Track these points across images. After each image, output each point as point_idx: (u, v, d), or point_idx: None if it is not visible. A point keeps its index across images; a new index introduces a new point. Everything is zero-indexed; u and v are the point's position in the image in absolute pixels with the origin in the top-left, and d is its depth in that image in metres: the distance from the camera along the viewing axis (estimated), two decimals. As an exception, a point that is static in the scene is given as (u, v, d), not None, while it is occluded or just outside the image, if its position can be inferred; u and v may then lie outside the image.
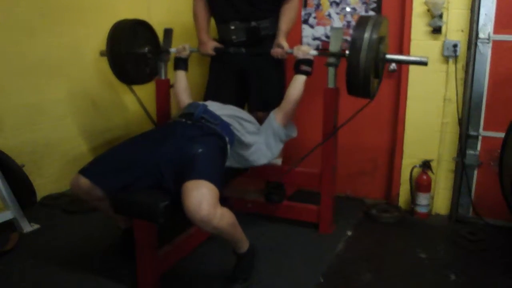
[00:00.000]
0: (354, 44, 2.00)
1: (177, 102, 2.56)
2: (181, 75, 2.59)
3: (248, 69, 2.57)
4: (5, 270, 2.11)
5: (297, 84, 2.28)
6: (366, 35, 1.98)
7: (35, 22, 2.78)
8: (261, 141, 2.24)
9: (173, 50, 2.65)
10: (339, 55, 2.27)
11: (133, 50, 2.58)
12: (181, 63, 2.61)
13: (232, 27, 2.49)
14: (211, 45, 2.58)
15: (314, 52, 2.29)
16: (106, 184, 1.86)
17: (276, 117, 2.28)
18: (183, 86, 2.56)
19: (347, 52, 2.10)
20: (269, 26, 2.49)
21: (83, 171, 1.89)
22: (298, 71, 2.28)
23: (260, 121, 2.53)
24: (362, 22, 2.04)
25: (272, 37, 2.48)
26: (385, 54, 2.12)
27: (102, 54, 2.66)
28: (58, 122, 3.02)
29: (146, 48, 2.65)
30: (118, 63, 2.53)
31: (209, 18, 2.63)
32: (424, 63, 2.11)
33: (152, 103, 2.92)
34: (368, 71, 2.00)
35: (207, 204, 1.66)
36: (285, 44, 2.41)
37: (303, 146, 2.58)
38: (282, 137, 2.29)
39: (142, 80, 2.73)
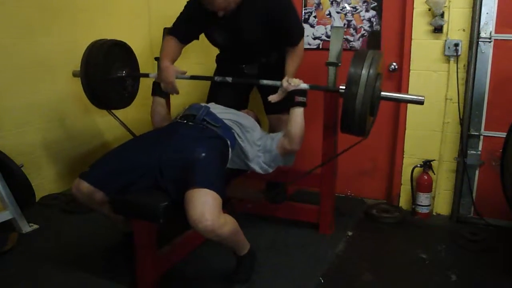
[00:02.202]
0: (351, 84, 1.88)
1: (153, 124, 2.36)
2: (159, 102, 2.34)
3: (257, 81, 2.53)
4: (4, 270, 2.11)
5: (296, 119, 2.13)
6: (364, 72, 1.87)
7: (35, 22, 2.77)
8: (260, 154, 2.19)
9: (152, 75, 2.45)
10: (334, 91, 2.17)
11: (109, 74, 2.47)
12: (159, 89, 2.33)
13: (243, 65, 2.44)
14: (173, 70, 2.28)
15: (304, 86, 2.13)
16: (107, 187, 1.86)
17: (278, 146, 2.18)
18: (161, 117, 2.32)
19: (341, 88, 2.01)
20: (277, 55, 2.40)
21: (84, 176, 1.88)
22: (293, 104, 2.14)
23: (272, 123, 2.50)
24: (359, 57, 1.92)
25: (282, 60, 2.37)
26: (380, 91, 2.00)
27: (74, 74, 2.54)
28: (57, 122, 3.01)
29: (124, 72, 2.56)
30: (93, 88, 2.43)
31: (177, 51, 2.39)
32: (421, 102, 2.00)
33: (144, 103, 2.91)
34: (365, 112, 1.90)
35: (210, 214, 1.66)
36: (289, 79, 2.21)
37: (304, 146, 2.57)
38: (277, 162, 2.22)
39: (120, 105, 2.63)
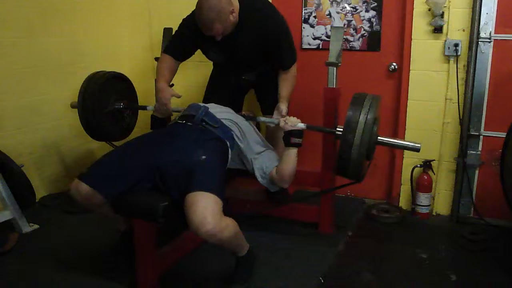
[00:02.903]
0: (348, 131, 1.85)
1: None
2: None
3: (254, 84, 2.54)
4: (4, 270, 2.11)
5: (289, 159, 2.08)
6: (361, 118, 1.83)
7: (35, 22, 2.77)
8: (256, 162, 2.17)
9: (150, 107, 2.42)
10: (329, 132, 2.15)
11: (107, 108, 2.47)
12: (158, 123, 2.32)
13: (241, 72, 2.45)
14: (169, 93, 2.28)
15: (302, 125, 2.09)
16: (106, 189, 1.85)
17: (270, 174, 2.14)
18: None
19: (338, 130, 2.00)
20: (270, 66, 2.41)
21: (83, 177, 1.87)
22: (288, 144, 2.09)
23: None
24: (357, 102, 1.89)
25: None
26: (377, 136, 1.97)
27: (73, 106, 2.54)
28: (57, 122, 3.01)
29: (122, 104, 2.55)
30: (91, 122, 2.44)
31: (173, 71, 2.40)
32: (417, 150, 1.99)
33: (145, 102, 2.91)
34: (361, 159, 1.87)
35: (212, 218, 1.65)
36: (284, 108, 2.24)
37: (303, 146, 2.57)
38: (267, 183, 2.19)
39: (118, 136, 2.64)
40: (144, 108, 2.56)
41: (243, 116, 2.28)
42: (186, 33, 2.32)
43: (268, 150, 2.23)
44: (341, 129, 1.91)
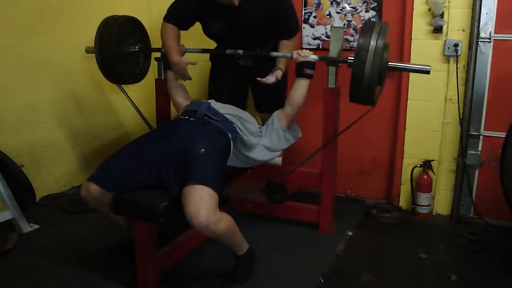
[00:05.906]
0: (360, 52, 1.95)
1: (174, 104, 2.47)
2: (173, 77, 2.44)
3: (252, 77, 2.54)
4: (4, 270, 2.11)
5: (301, 88, 2.23)
6: (372, 42, 1.93)
7: (35, 22, 2.77)
8: (264, 142, 2.22)
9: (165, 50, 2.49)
10: (342, 61, 2.23)
11: (123, 49, 2.52)
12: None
13: (238, 56, 2.46)
14: (184, 63, 2.35)
15: (314, 57, 2.22)
16: (116, 189, 1.85)
17: (280, 121, 2.25)
18: (176, 86, 2.44)
19: (349, 58, 2.08)
20: (272, 46, 2.45)
21: (93, 178, 1.88)
22: (301, 75, 2.23)
23: (263, 122, 2.51)
24: (367, 28, 1.99)
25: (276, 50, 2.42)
26: (387, 61, 2.07)
27: (88, 51, 2.61)
28: (57, 122, 3.01)
29: (137, 47, 2.60)
30: (107, 62, 2.47)
31: (179, 39, 2.45)
32: (427, 72, 2.08)
33: (146, 102, 2.92)
34: (373, 79, 1.96)
35: (205, 211, 1.68)
36: (282, 68, 2.33)
37: (303, 146, 2.58)
38: (288, 139, 2.27)
39: (131, 80, 2.67)
40: (159, 50, 2.60)
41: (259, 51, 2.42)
42: (188, 2, 2.36)
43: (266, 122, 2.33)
44: (353, 57, 2.01)
